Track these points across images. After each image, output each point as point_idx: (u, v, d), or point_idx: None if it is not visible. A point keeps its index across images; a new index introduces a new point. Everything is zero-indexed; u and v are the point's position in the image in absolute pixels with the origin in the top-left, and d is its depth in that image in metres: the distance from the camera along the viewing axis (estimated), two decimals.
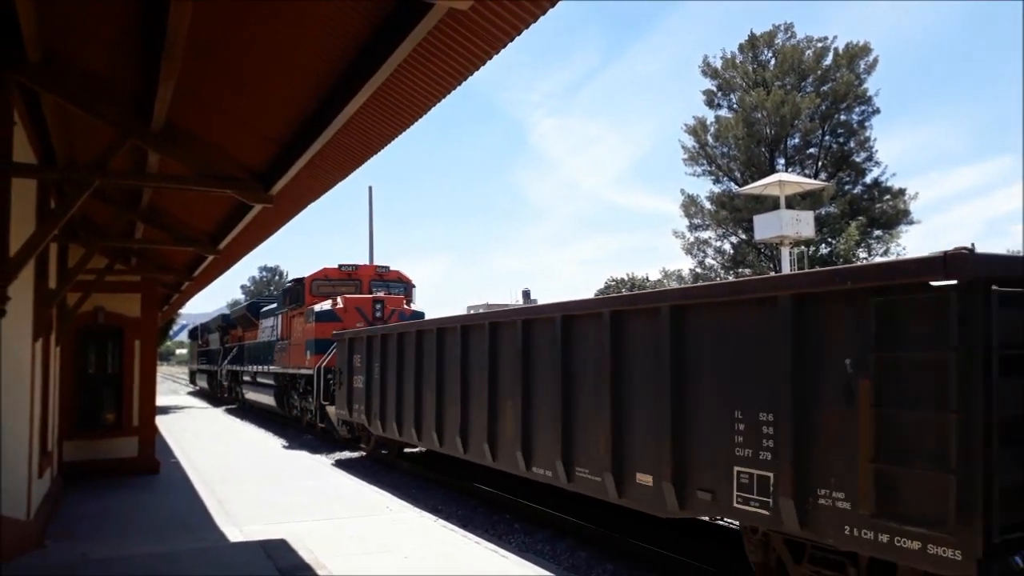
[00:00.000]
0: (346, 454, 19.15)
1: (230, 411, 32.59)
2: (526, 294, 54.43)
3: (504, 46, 4.04)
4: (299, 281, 23.38)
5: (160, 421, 24.56)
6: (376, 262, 29.41)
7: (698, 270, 51.78)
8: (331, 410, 18.95)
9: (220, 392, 36.78)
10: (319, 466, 15.86)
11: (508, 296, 58.26)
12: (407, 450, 17.26)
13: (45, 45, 6.48)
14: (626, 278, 61.17)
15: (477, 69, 4.30)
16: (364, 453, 18.52)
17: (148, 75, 6.03)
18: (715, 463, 6.42)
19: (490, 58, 4.21)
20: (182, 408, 34.85)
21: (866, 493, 5.10)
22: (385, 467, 17.06)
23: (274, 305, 26.86)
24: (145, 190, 9.64)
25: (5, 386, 7.56)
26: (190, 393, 48.16)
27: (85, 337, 15.32)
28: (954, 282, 4.61)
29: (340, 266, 22.72)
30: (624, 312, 7.68)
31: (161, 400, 38.17)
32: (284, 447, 19.90)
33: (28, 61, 6.44)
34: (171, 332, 51.69)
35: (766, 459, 5.91)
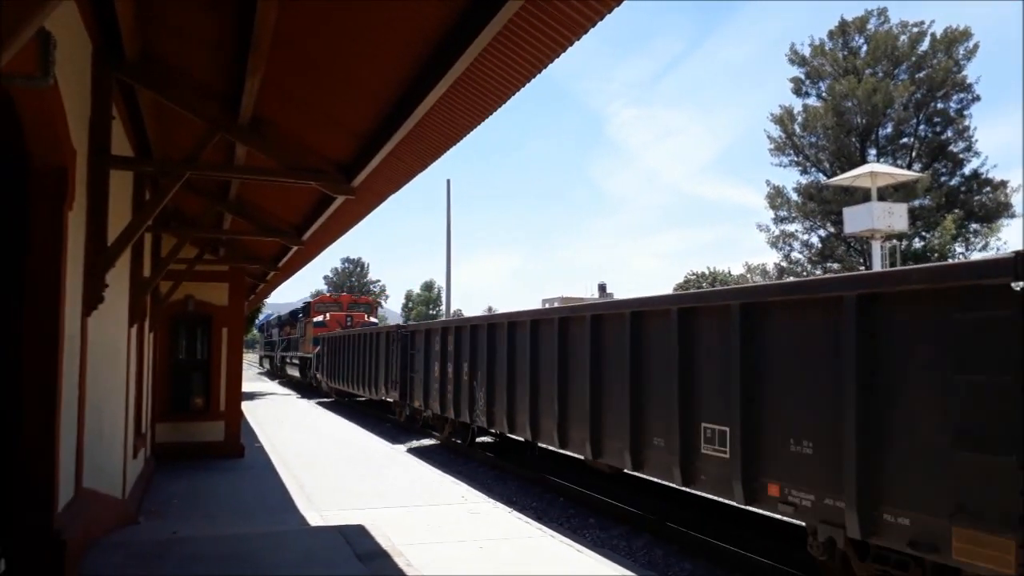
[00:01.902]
0: (423, 442, 19.41)
1: (308, 398, 33.99)
2: (602, 288, 53.88)
3: (585, 31, 3.94)
4: (308, 303, 39.75)
5: (245, 407, 25.44)
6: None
7: (784, 264, 50.38)
8: (319, 376, 33.30)
9: (276, 371, 49.88)
10: (396, 454, 16.09)
11: (584, 290, 57.81)
12: (479, 439, 17.35)
13: (141, 43, 6.73)
14: (707, 272, 60.03)
15: (557, 56, 4.21)
16: (438, 441, 18.79)
17: (236, 70, 6.19)
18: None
19: (571, 44, 4.11)
20: (268, 395, 36.05)
21: None
22: (460, 456, 17.20)
23: (301, 315, 40.82)
24: (233, 182, 9.94)
25: (104, 369, 7.90)
26: (259, 373, 58.60)
27: (176, 324, 15.93)
28: None
29: (330, 294, 42.95)
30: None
31: (247, 386, 39.74)
32: (362, 434, 20.28)
33: (126, 58, 6.71)
34: (257, 321, 53.54)
35: None
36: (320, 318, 35.92)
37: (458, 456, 17.26)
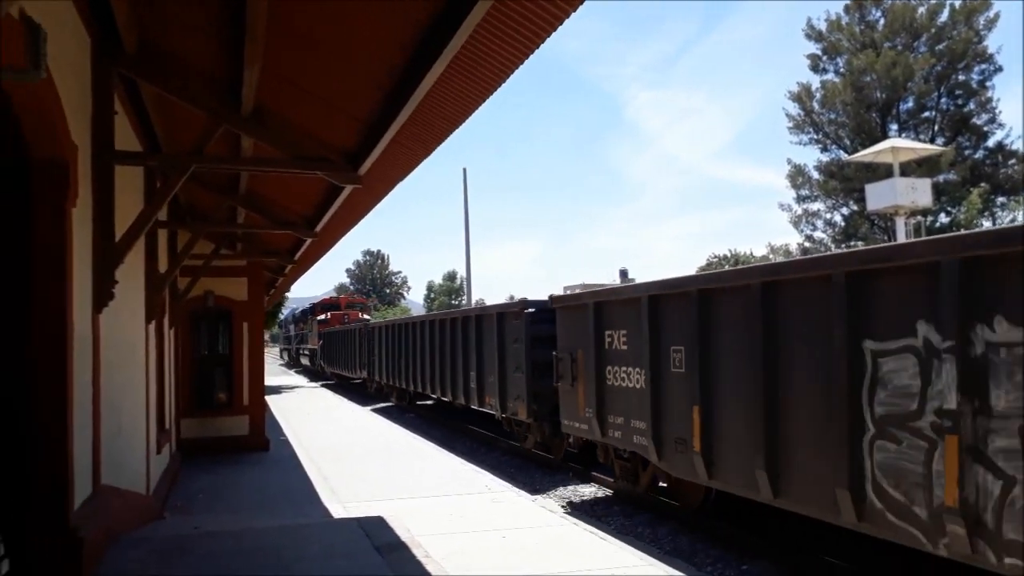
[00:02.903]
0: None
1: (330, 387, 37.06)
2: (623, 273, 53.45)
3: (580, 3, 3.80)
4: (314, 304, 49.65)
5: (270, 400, 25.63)
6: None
7: (807, 244, 49.77)
8: (322, 363, 41.58)
9: (293, 361, 59.15)
10: (421, 444, 16.08)
11: (605, 276, 57.50)
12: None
13: (139, 35, 6.67)
14: (729, 254, 59.46)
15: (552, 30, 4.06)
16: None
17: (235, 60, 6.10)
18: None
19: (566, 16, 3.97)
20: (292, 388, 36.48)
21: None
22: (484, 446, 17.16)
23: (309, 314, 49.07)
24: (242, 175, 9.90)
25: (120, 367, 7.90)
26: (280, 364, 66.96)
27: (197, 320, 16.01)
28: None
29: (333, 297, 54.14)
30: None
31: (272, 380, 40.26)
32: (385, 425, 20.32)
33: (125, 52, 6.65)
34: (280, 316, 54.34)
35: None
36: (323, 316, 44.17)
37: (484, 447, 17.21)
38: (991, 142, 44.88)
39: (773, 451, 7.21)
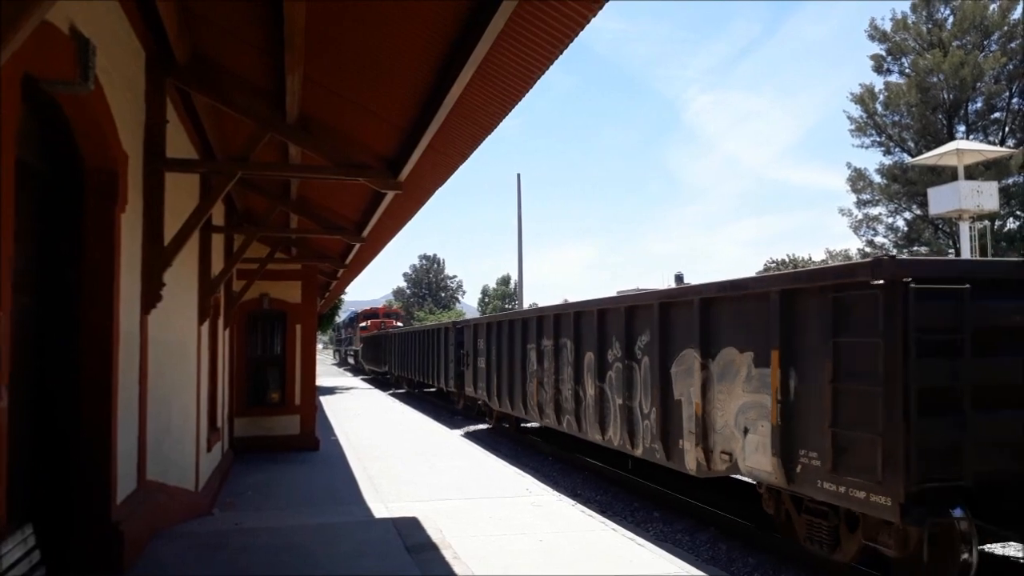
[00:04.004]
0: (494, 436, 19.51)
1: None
2: (679, 278, 52.94)
3: (601, 6, 3.81)
4: (356, 313, 59.55)
5: (324, 400, 26.16)
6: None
7: (867, 249, 48.46)
8: (362, 361, 53.33)
9: (342, 360, 71.55)
10: (466, 446, 16.20)
11: (660, 280, 57.00)
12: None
13: (190, 47, 6.93)
14: (787, 259, 58.31)
15: (573, 37, 4.09)
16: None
17: (279, 70, 6.29)
18: None
19: (587, 20, 3.98)
20: (348, 388, 37.12)
21: None
22: (527, 449, 17.20)
23: (354, 322, 59.16)
24: (292, 182, 10.15)
25: (170, 366, 8.18)
26: (332, 364, 77.19)
27: (252, 322, 16.45)
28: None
29: (373, 308, 61.60)
30: None
31: (326, 381, 41.10)
32: (433, 426, 20.53)
33: (177, 63, 6.91)
34: (336, 318, 56.14)
35: None
36: (364, 323, 55.71)
37: (527, 449, 17.25)
38: None
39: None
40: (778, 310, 7.58)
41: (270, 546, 7.22)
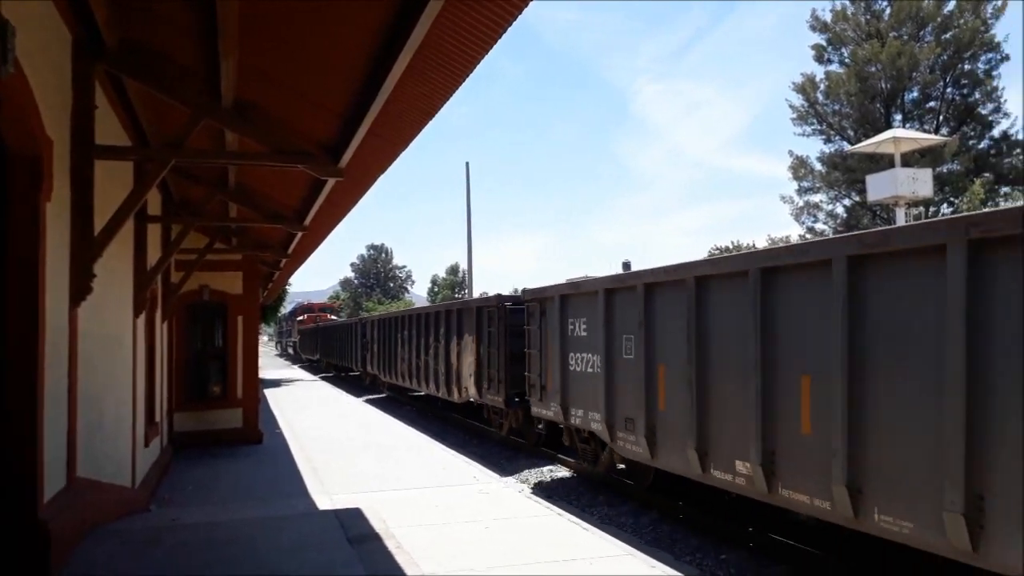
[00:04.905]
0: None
1: (327, 379, 38.44)
2: (626, 266, 53.38)
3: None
4: (297, 306, 67.41)
5: (269, 392, 25.81)
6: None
7: (808, 236, 49.58)
8: (299, 351, 61.22)
9: (283, 350, 77.98)
10: (414, 437, 16.13)
11: (608, 269, 57.44)
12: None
13: (119, 31, 6.68)
14: (731, 246, 59.32)
15: (512, 19, 4.06)
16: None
17: (213, 54, 6.11)
18: None
19: (526, 4, 3.95)
20: (294, 380, 36.70)
21: None
22: (476, 438, 17.22)
23: (292, 316, 65.78)
24: (231, 170, 9.90)
25: (103, 360, 7.94)
26: (276, 355, 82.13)
27: (193, 314, 16.06)
28: None
29: (309, 304, 68.64)
30: None
31: (271, 373, 40.57)
32: (380, 417, 20.39)
33: (107, 48, 6.66)
34: (280, 310, 55.65)
35: None
36: (302, 317, 61.68)
37: (476, 438, 17.25)
38: (996, 132, 44.59)
39: None
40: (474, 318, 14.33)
41: (208, 541, 7.07)
